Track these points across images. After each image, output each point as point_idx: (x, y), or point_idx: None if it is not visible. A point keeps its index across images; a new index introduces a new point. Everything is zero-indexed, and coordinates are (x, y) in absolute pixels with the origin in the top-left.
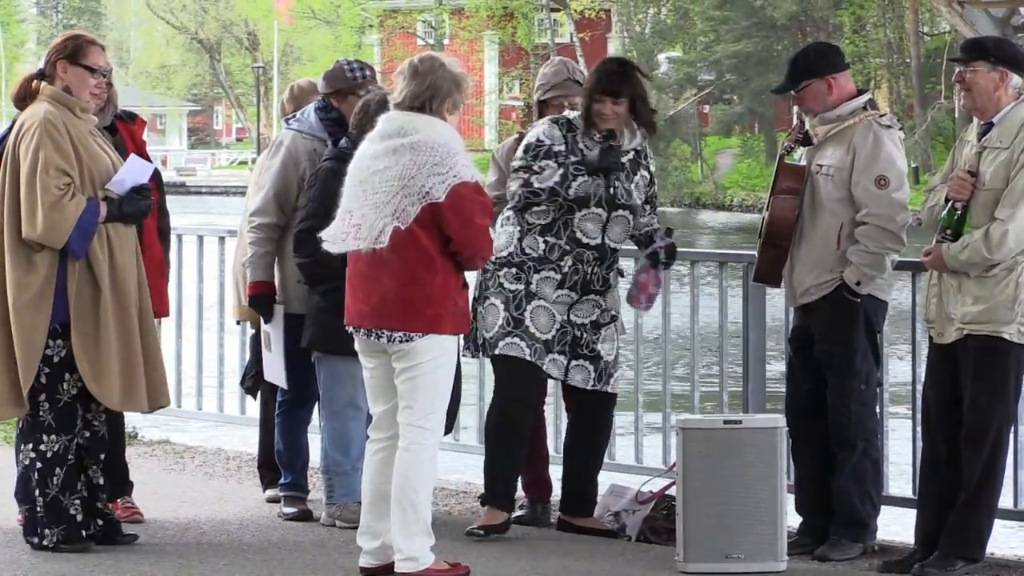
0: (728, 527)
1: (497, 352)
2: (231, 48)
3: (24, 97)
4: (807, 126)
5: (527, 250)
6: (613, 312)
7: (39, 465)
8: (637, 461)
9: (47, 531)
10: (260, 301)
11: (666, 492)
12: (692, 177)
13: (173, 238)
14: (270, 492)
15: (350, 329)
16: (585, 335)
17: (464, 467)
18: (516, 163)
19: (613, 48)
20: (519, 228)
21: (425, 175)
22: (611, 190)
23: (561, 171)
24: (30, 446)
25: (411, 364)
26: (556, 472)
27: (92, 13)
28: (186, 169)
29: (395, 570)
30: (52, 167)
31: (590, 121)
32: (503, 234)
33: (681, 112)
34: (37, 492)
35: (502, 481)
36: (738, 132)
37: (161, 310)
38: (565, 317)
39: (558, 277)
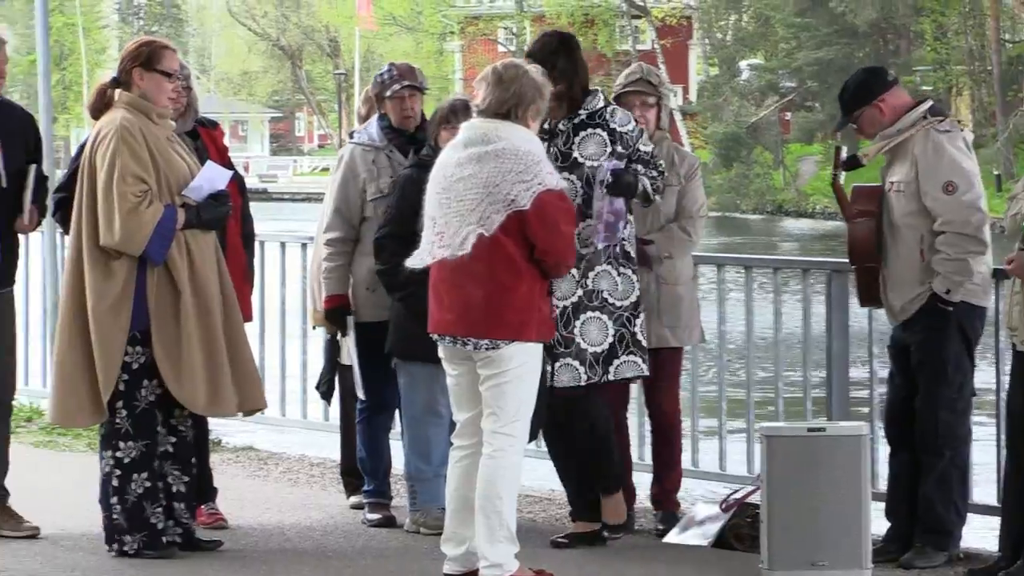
0: (812, 534)
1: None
2: (312, 54)
3: (100, 107)
4: (846, 151)
5: None
6: (606, 294)
7: (117, 472)
8: (721, 468)
9: (127, 537)
10: (335, 314)
11: (748, 499)
12: (774, 184)
13: (256, 244)
14: (354, 499)
15: (435, 337)
16: (560, 331)
17: (550, 473)
18: None
19: (694, 55)
20: None
21: (510, 183)
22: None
23: None
24: (109, 453)
25: (497, 371)
26: (639, 478)
27: (174, 19)
28: (268, 175)
29: None
30: (129, 174)
31: None
32: None
33: (763, 119)
34: (115, 499)
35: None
36: (820, 139)
37: (244, 315)
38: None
39: None
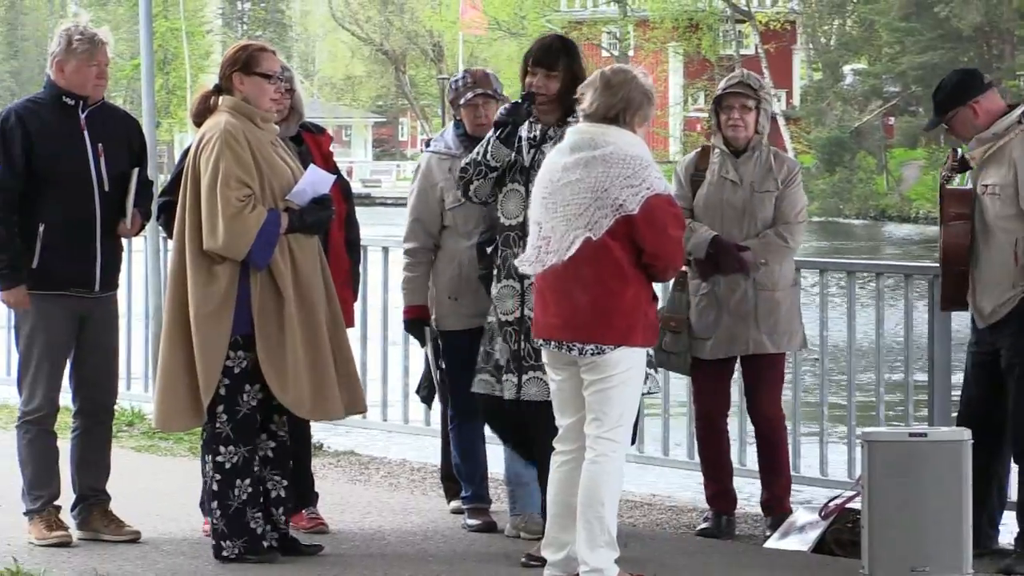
0: (913, 540)
1: (472, 390)
2: (416, 59)
3: (203, 113)
4: (961, 152)
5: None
6: None
7: (218, 476)
8: (822, 474)
9: (227, 543)
10: (414, 325)
11: (849, 505)
12: (877, 189)
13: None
14: (454, 504)
15: (538, 342)
16: (528, 344)
17: (655, 479)
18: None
19: (798, 60)
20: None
21: (619, 187)
22: (527, 161)
23: (483, 142)
24: (209, 457)
25: (602, 376)
26: (740, 484)
27: (277, 24)
28: (371, 180)
29: None
30: (232, 179)
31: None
32: None
33: (866, 124)
34: (216, 503)
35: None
36: (924, 144)
37: (346, 321)
38: (519, 314)
39: (495, 271)
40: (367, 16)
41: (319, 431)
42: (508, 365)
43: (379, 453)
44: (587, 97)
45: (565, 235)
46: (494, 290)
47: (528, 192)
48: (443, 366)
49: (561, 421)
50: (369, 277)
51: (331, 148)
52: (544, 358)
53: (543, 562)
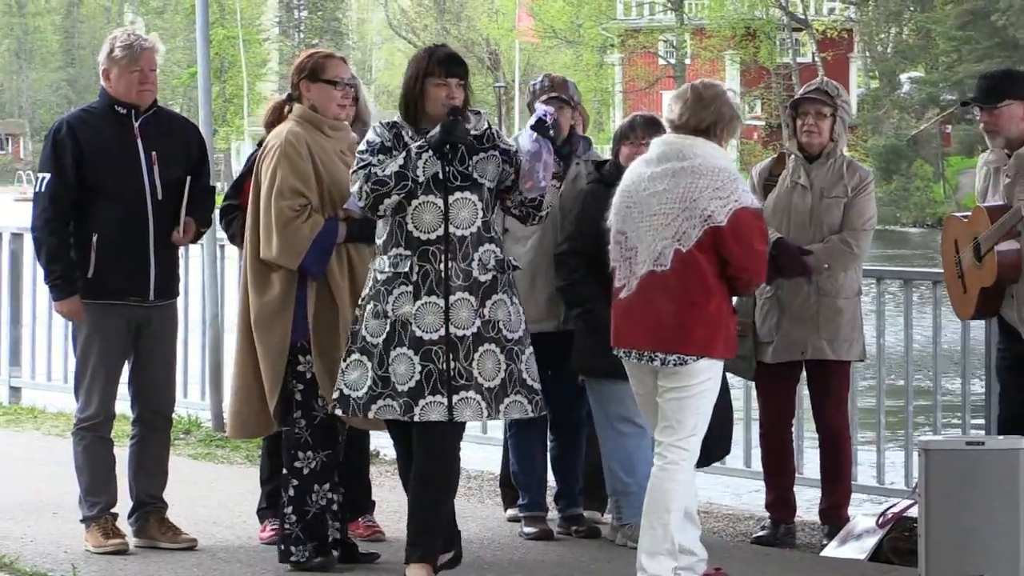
0: (971, 548)
1: (370, 416)
2: (473, 67)
3: (274, 124)
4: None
5: (378, 276)
6: (501, 325)
7: (295, 482)
8: (879, 482)
9: (298, 547)
10: None
11: (906, 513)
12: (934, 197)
13: None
14: (511, 511)
15: (619, 352)
16: (457, 363)
17: (714, 485)
18: (353, 167)
19: (855, 68)
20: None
21: (707, 198)
22: (444, 171)
23: (403, 154)
24: (287, 462)
25: (681, 384)
26: (802, 493)
27: (334, 32)
28: None
29: None
30: (287, 188)
31: (421, 110)
32: (369, 276)
33: (923, 132)
34: (291, 508)
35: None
36: (980, 152)
37: None
38: (443, 331)
39: (410, 288)
40: (424, 24)
41: (377, 440)
42: (432, 386)
43: None
44: (676, 109)
45: (653, 245)
46: (411, 307)
47: (447, 204)
48: None
49: (653, 431)
50: None
51: None
52: (627, 369)
53: None
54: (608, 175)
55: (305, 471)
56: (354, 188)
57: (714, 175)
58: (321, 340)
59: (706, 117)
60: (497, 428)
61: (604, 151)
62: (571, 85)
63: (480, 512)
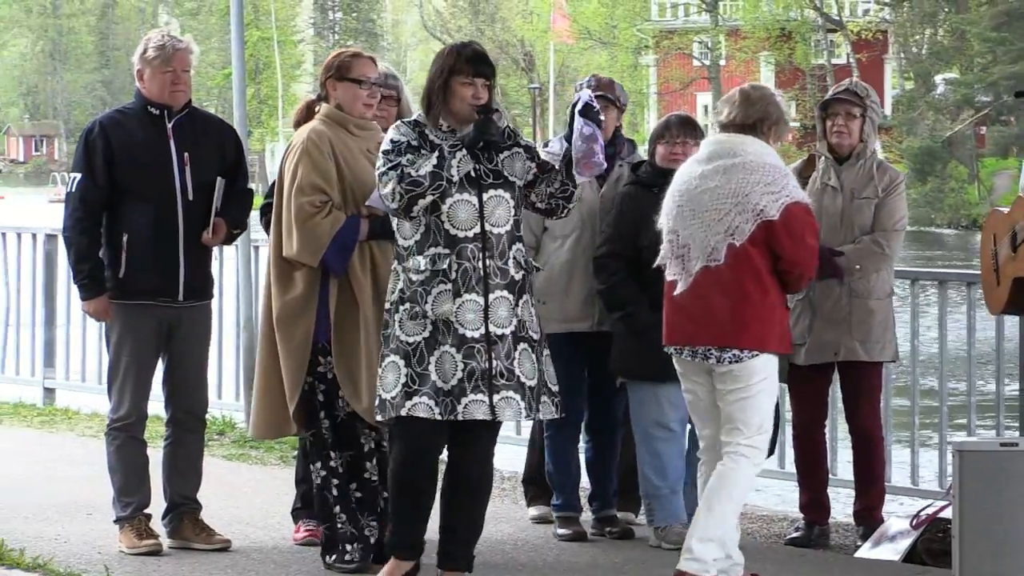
0: (1005, 550)
1: (403, 413)
2: (507, 68)
3: (303, 122)
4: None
5: (412, 276)
6: (528, 324)
7: (335, 481)
8: (913, 483)
9: (351, 546)
10: None
11: (940, 514)
12: (969, 199)
13: None
14: (534, 510)
15: (671, 350)
16: (499, 361)
17: (782, 491)
18: (380, 168)
19: (890, 69)
20: (396, 260)
21: (759, 193)
22: (476, 170)
23: (436, 154)
24: (319, 464)
25: (741, 385)
26: (836, 494)
27: (368, 34)
28: None
29: (678, 567)
30: (307, 185)
31: (444, 107)
32: (392, 279)
33: (958, 134)
34: (339, 508)
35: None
36: (1015, 153)
37: None
38: (483, 330)
39: (449, 286)
40: (458, 26)
41: None
42: (474, 385)
43: None
44: (725, 110)
45: (706, 240)
46: (452, 305)
47: (482, 202)
48: None
49: (702, 431)
50: None
51: None
52: (677, 367)
53: None
54: (644, 177)
55: (340, 470)
56: (386, 190)
57: (765, 171)
58: (342, 339)
59: (752, 114)
60: (526, 428)
61: (642, 152)
62: (618, 87)
63: (514, 513)
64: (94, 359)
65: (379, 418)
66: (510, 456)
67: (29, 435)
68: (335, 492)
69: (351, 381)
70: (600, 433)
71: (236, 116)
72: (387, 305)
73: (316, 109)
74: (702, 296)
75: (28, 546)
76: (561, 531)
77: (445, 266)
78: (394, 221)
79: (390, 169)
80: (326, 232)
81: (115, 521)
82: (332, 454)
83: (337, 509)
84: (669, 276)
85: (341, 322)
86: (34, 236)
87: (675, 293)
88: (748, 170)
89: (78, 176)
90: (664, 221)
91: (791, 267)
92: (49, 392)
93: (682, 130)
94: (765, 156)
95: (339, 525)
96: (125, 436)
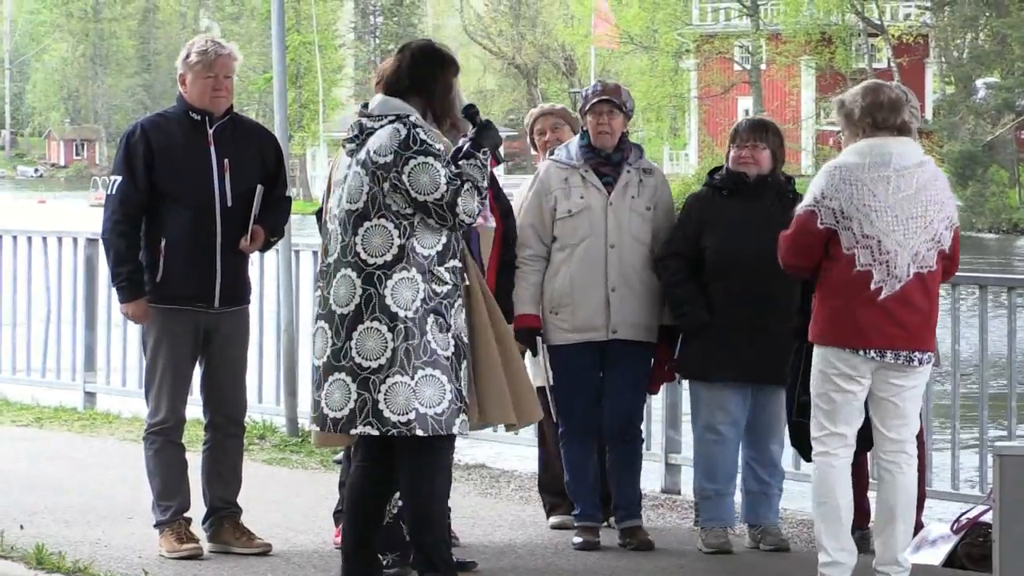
0: None
1: (454, 431)
2: (548, 73)
3: None
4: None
5: (435, 288)
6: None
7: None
8: (953, 488)
9: (387, 556)
10: (525, 334)
11: (981, 519)
12: (1010, 203)
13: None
14: (554, 519)
15: (869, 353)
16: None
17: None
18: (460, 183)
19: (931, 73)
20: (414, 268)
21: (949, 201)
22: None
23: (478, 162)
24: None
25: (917, 383)
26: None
27: (410, 38)
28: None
29: None
30: None
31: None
32: (407, 286)
33: (999, 138)
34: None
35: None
36: None
37: None
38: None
39: (461, 301)
40: (499, 30)
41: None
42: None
43: (510, 467)
44: (883, 114)
45: (915, 248)
46: (462, 321)
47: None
48: (549, 379)
49: (847, 430)
50: None
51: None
52: (854, 367)
53: None
54: (717, 180)
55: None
56: (473, 204)
57: (942, 176)
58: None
59: (910, 117)
60: (529, 430)
61: (678, 157)
62: (624, 92)
63: (536, 519)
64: (135, 363)
65: (419, 432)
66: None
67: (70, 439)
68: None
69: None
70: (623, 443)
71: (277, 120)
72: (407, 312)
73: None
74: (908, 301)
75: (68, 550)
76: (576, 540)
77: (463, 281)
78: (421, 228)
79: (471, 184)
80: None
81: (155, 525)
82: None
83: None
84: (874, 284)
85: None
86: (75, 240)
87: (880, 298)
88: (936, 177)
89: (118, 179)
90: (860, 227)
91: (953, 271)
92: (90, 396)
93: (752, 134)
94: (931, 160)
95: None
96: (163, 440)
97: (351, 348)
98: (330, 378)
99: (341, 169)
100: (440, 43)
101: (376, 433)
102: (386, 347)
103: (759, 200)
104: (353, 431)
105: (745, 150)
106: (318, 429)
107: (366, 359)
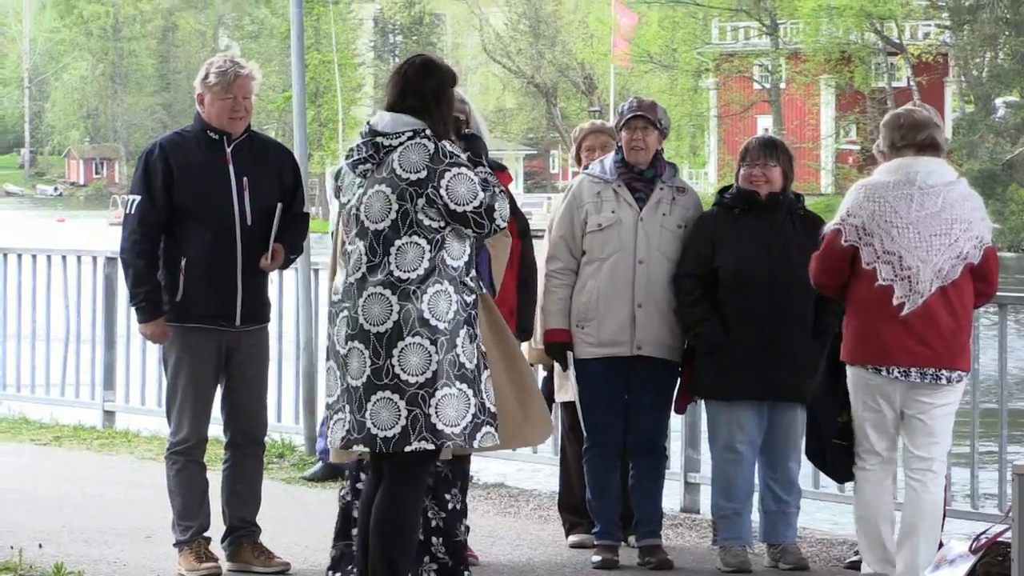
0: None
1: (475, 445)
2: (567, 91)
3: None
4: None
5: (465, 299)
6: None
7: (443, 514)
8: (972, 507)
9: (353, 569)
10: (556, 349)
11: (1000, 538)
12: None
13: None
14: (573, 538)
15: (893, 372)
16: (485, 398)
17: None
18: (500, 198)
19: (950, 92)
20: (446, 280)
21: (978, 220)
22: None
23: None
24: (348, 484)
25: (949, 401)
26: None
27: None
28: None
29: None
30: None
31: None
32: (441, 299)
33: (1018, 156)
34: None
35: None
36: None
37: None
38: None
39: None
40: (518, 48)
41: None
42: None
43: (529, 486)
44: (915, 132)
45: (939, 264)
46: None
47: None
48: (577, 394)
49: (880, 446)
50: None
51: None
52: (876, 385)
53: None
54: (727, 199)
55: (450, 505)
56: (506, 208)
57: (975, 197)
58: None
59: (940, 138)
60: (546, 447)
61: (698, 175)
62: (659, 109)
63: (555, 537)
64: (154, 382)
65: (475, 443)
66: (551, 478)
67: (89, 458)
68: (354, 515)
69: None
70: (645, 460)
71: (296, 139)
72: (445, 324)
73: None
74: (934, 319)
75: (87, 569)
76: (595, 558)
77: (480, 289)
78: (450, 240)
79: (501, 191)
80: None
81: (175, 544)
82: (361, 476)
83: (354, 532)
84: (896, 300)
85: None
86: (94, 259)
87: (903, 314)
88: (966, 197)
89: (137, 198)
90: (881, 244)
91: (990, 293)
92: (109, 415)
93: (762, 152)
94: (963, 181)
95: (440, 555)
96: (185, 460)
97: (393, 366)
98: (373, 397)
99: (349, 190)
100: (438, 57)
101: (432, 448)
102: (430, 360)
103: (770, 218)
104: (408, 448)
105: (756, 168)
106: (366, 449)
107: (412, 375)
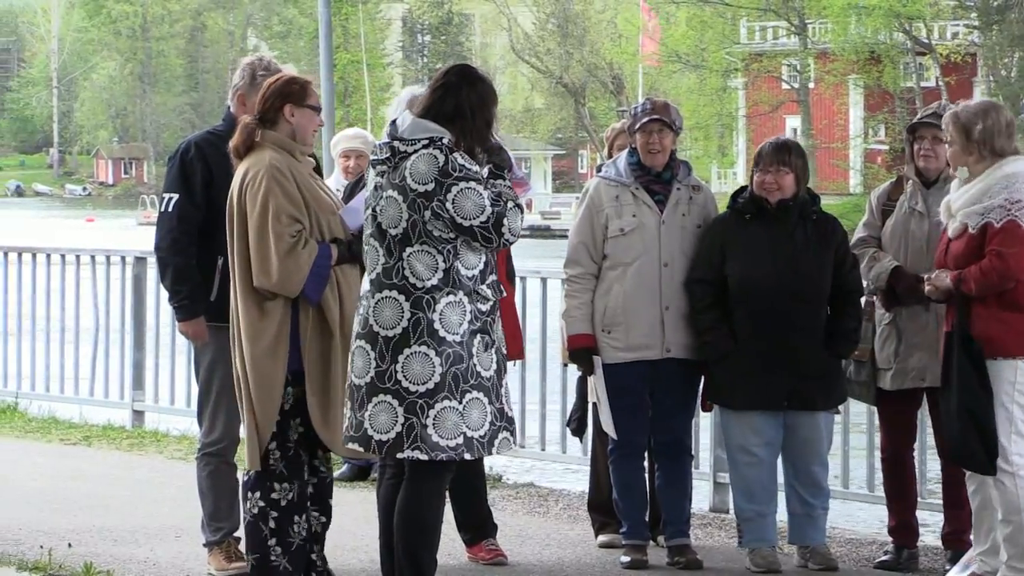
0: None
1: (493, 451)
2: (595, 91)
3: (249, 146)
4: None
5: (480, 307)
6: None
7: (274, 514)
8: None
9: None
10: (580, 355)
11: None
12: None
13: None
14: (602, 538)
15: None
16: (504, 403)
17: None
18: (504, 203)
19: (979, 92)
20: (461, 291)
21: None
22: None
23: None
24: (258, 495)
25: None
26: (924, 518)
27: (457, 57)
28: (551, 213)
29: None
30: (283, 214)
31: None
32: (454, 309)
33: None
34: (274, 541)
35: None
36: None
37: (515, 354)
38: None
39: (498, 316)
40: (547, 48)
41: (498, 463)
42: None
43: (558, 486)
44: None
45: None
46: (501, 335)
47: None
48: (603, 397)
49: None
50: (528, 307)
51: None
52: None
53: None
54: (742, 205)
55: (283, 503)
56: (518, 222)
57: None
58: (314, 368)
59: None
60: (575, 447)
61: (726, 175)
62: (673, 109)
63: (584, 537)
64: (183, 382)
65: (467, 456)
66: (581, 477)
67: (118, 458)
68: (272, 525)
69: (322, 410)
70: (672, 460)
71: (324, 139)
72: (455, 337)
73: (260, 134)
74: None
75: (116, 568)
76: (624, 559)
77: (501, 294)
78: (463, 250)
79: (513, 203)
80: (306, 261)
81: (204, 544)
82: (276, 486)
83: (273, 542)
84: None
85: (313, 352)
86: (123, 259)
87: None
88: None
89: (175, 196)
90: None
91: None
92: (138, 415)
93: (775, 158)
94: None
95: (272, 558)
96: (217, 461)
97: (396, 371)
98: (374, 399)
99: (367, 190)
100: (483, 70)
101: (425, 458)
102: (434, 372)
103: (781, 225)
104: (400, 455)
105: (769, 175)
106: (360, 449)
107: (413, 383)
